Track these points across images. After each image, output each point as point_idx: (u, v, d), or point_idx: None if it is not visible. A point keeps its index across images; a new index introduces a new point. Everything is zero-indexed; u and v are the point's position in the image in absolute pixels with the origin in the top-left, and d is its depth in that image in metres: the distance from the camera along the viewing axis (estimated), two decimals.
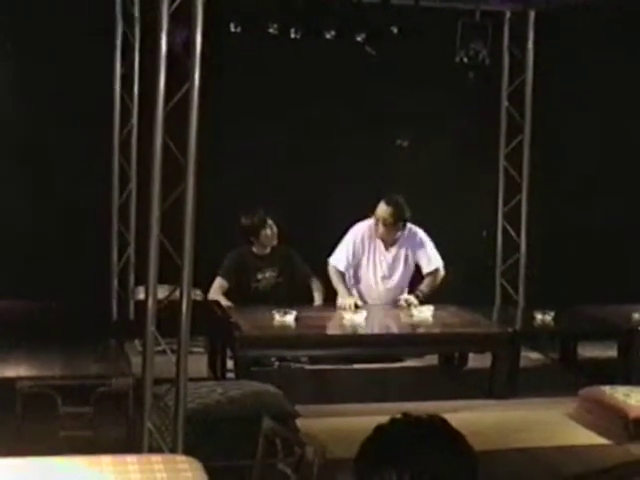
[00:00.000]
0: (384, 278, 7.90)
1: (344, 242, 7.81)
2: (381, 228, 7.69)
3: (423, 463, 1.94)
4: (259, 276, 7.94)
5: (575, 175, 9.15)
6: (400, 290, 7.90)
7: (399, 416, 2.02)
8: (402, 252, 7.86)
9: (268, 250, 7.98)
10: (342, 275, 7.74)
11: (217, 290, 7.81)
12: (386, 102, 8.83)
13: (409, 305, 7.55)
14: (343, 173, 8.89)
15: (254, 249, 7.97)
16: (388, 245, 7.83)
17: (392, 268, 7.89)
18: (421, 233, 7.87)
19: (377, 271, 7.88)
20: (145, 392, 5.00)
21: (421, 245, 7.85)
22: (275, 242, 7.98)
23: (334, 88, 8.76)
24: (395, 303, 7.75)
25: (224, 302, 7.65)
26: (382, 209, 7.64)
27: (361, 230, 7.82)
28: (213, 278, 7.86)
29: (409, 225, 7.81)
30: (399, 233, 7.75)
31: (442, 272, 7.82)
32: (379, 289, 7.90)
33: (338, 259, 7.76)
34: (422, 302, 7.57)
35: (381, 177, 8.08)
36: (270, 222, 7.92)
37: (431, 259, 7.82)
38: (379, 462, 1.96)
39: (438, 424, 2.01)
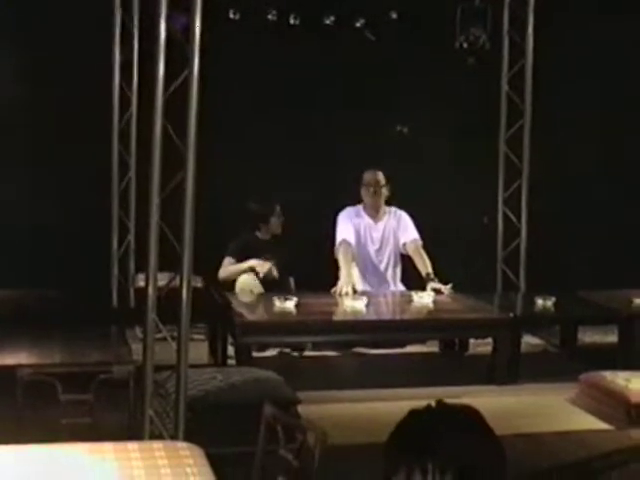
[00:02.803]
0: (377, 251, 8.02)
1: (340, 224, 7.91)
2: (372, 194, 7.94)
3: (457, 452, 1.96)
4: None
5: (575, 160, 9.14)
6: (392, 268, 8.02)
7: (433, 403, 2.04)
8: (389, 225, 8.04)
9: (270, 236, 8.00)
10: (350, 251, 7.75)
11: (226, 265, 7.81)
12: (386, 88, 8.83)
13: (438, 291, 7.54)
14: (343, 158, 8.88)
15: (258, 234, 8.00)
16: (376, 219, 8.01)
17: (382, 241, 8.02)
18: (404, 214, 8.04)
19: (369, 245, 8.01)
20: (146, 379, 5.01)
21: (405, 220, 8.04)
22: (280, 231, 8.01)
23: (334, 73, 8.75)
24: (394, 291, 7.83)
25: (236, 267, 7.71)
26: (369, 174, 7.98)
27: (348, 212, 8.02)
28: (213, 265, 7.85)
29: (394, 208, 8.05)
30: (386, 194, 7.94)
31: (421, 243, 7.92)
32: (374, 263, 8.01)
33: (345, 233, 7.82)
34: (446, 282, 7.59)
35: (381, 163, 8.06)
36: (279, 210, 7.96)
37: (413, 231, 7.95)
38: (411, 448, 1.98)
39: (470, 413, 2.03)
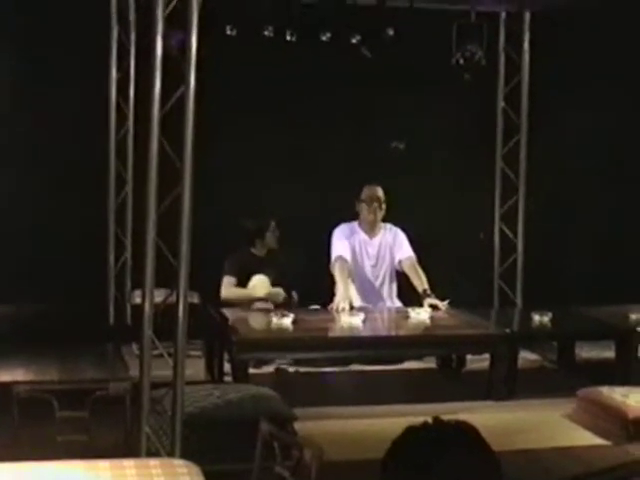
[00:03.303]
0: (374, 267, 8.02)
1: (335, 240, 7.89)
2: (373, 210, 7.91)
3: (454, 469, 1.96)
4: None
5: (572, 175, 9.15)
6: (389, 284, 8.02)
7: (429, 420, 2.03)
8: (385, 241, 8.03)
9: (266, 252, 7.99)
10: (346, 267, 7.74)
11: (228, 286, 7.79)
12: (382, 104, 8.83)
13: (435, 307, 7.52)
14: (339, 176, 8.89)
15: (253, 250, 7.98)
16: (372, 235, 8.01)
17: (378, 257, 8.01)
18: (400, 230, 8.04)
19: (365, 261, 8.01)
20: (142, 396, 4.99)
21: (400, 237, 8.01)
22: (276, 245, 8.00)
23: (330, 91, 8.76)
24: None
25: (243, 291, 7.71)
26: (369, 189, 7.96)
27: (342, 228, 8.00)
28: (210, 281, 7.83)
29: (390, 225, 8.05)
30: (383, 212, 7.92)
31: (415, 259, 7.91)
32: (370, 279, 8.01)
33: (341, 250, 7.80)
34: (442, 298, 7.59)
35: (377, 179, 8.06)
36: (274, 225, 7.96)
37: (408, 248, 7.94)
38: (409, 465, 1.97)
39: (468, 430, 2.02)
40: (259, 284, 7.76)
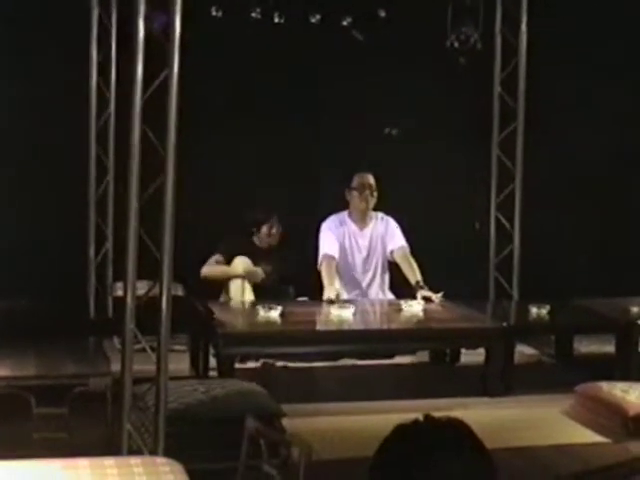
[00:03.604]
0: (365, 259, 8.03)
1: (323, 236, 7.92)
2: (364, 198, 7.91)
3: (446, 468, 1.96)
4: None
5: (570, 163, 9.15)
6: (380, 275, 8.03)
7: (420, 418, 2.03)
8: (376, 232, 8.04)
9: (267, 244, 7.99)
10: (333, 265, 7.76)
11: (212, 263, 7.79)
12: (374, 89, 8.82)
13: (428, 300, 7.53)
14: (329, 162, 8.89)
15: (255, 240, 8.00)
16: (363, 226, 8.02)
17: (370, 248, 8.03)
18: (391, 220, 8.06)
19: (356, 254, 8.02)
20: (124, 392, 4.98)
21: (392, 226, 8.03)
22: (274, 243, 7.99)
23: (320, 75, 8.75)
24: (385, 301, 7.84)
25: (222, 268, 7.72)
26: (361, 177, 7.97)
27: (331, 221, 8.02)
28: (194, 273, 7.83)
29: (381, 214, 8.05)
30: (374, 200, 7.94)
31: (408, 250, 7.93)
32: (362, 272, 8.02)
33: (328, 247, 7.82)
34: (436, 290, 7.59)
35: (368, 166, 8.06)
36: (275, 221, 7.94)
37: (400, 238, 7.96)
38: (399, 464, 1.97)
39: (460, 427, 2.02)
40: (239, 261, 7.76)
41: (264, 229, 7.96)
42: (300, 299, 7.89)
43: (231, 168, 8.57)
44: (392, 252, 7.95)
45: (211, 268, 7.79)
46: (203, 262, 7.83)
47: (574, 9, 8.66)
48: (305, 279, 7.90)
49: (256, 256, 7.90)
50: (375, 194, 7.94)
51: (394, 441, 2.01)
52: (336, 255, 7.84)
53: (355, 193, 7.95)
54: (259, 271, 7.78)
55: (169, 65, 4.82)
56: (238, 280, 7.74)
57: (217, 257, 7.82)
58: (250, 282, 7.74)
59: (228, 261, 7.80)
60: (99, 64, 8.13)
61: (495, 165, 8.94)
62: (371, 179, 7.94)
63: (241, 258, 7.77)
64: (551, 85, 8.88)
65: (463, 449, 1.98)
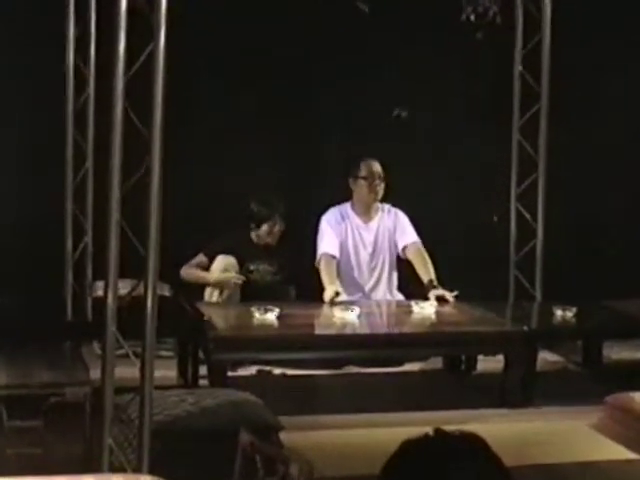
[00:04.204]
0: (371, 256, 8.05)
1: (322, 232, 7.93)
2: (372, 187, 7.93)
3: None
4: (251, 267, 7.96)
5: (599, 149, 9.15)
6: (388, 274, 8.04)
7: (431, 432, 2.03)
8: (384, 226, 8.07)
9: (266, 243, 8.01)
10: (333, 264, 7.77)
11: (192, 265, 7.83)
12: (382, 67, 8.83)
13: (442, 300, 7.53)
14: (332, 147, 8.88)
15: (253, 236, 8.01)
16: (367, 219, 8.06)
17: (376, 244, 8.03)
18: (401, 212, 8.08)
19: (361, 250, 8.04)
20: (105, 402, 4.99)
21: (402, 220, 8.05)
22: (275, 240, 8.01)
23: (321, 49, 8.74)
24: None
25: (197, 273, 7.79)
26: (369, 165, 7.98)
27: (330, 215, 8.03)
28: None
29: (388, 206, 8.07)
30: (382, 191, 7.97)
31: (421, 245, 7.95)
32: (367, 269, 8.04)
33: (327, 245, 7.82)
34: (450, 291, 7.60)
35: (376, 152, 8.07)
36: (277, 218, 7.95)
37: (412, 232, 7.99)
38: None
39: (475, 442, 2.02)
40: (217, 265, 7.78)
41: (265, 227, 7.98)
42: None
43: (223, 153, 8.56)
44: (405, 249, 7.94)
45: (188, 271, 7.88)
46: (191, 259, 7.86)
47: None
48: (306, 279, 7.90)
49: (255, 255, 7.91)
50: (383, 184, 7.95)
51: (402, 458, 2.02)
52: (336, 254, 7.84)
53: (363, 182, 7.94)
54: (234, 279, 7.78)
55: (155, 40, 4.82)
56: (214, 288, 7.78)
57: (199, 258, 7.86)
58: (225, 289, 7.77)
59: (213, 261, 7.83)
60: (77, 39, 8.12)
61: (516, 152, 8.93)
62: (378, 167, 7.95)
63: (222, 259, 7.78)
64: (578, 63, 8.88)
65: (478, 466, 1.99)
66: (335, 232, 7.92)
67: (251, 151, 8.72)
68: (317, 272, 7.74)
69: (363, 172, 7.96)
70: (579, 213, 9.15)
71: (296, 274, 8.06)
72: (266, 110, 8.76)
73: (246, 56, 8.54)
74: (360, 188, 7.97)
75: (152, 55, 4.83)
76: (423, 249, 7.88)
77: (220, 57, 8.50)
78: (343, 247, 7.95)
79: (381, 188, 7.96)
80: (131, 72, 4.87)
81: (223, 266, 7.79)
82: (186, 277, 7.90)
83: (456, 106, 9.07)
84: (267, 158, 8.75)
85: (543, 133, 8.78)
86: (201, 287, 7.87)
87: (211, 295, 7.84)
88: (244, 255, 7.90)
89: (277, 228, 8.01)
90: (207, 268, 7.86)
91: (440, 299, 7.54)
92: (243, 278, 7.80)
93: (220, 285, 7.80)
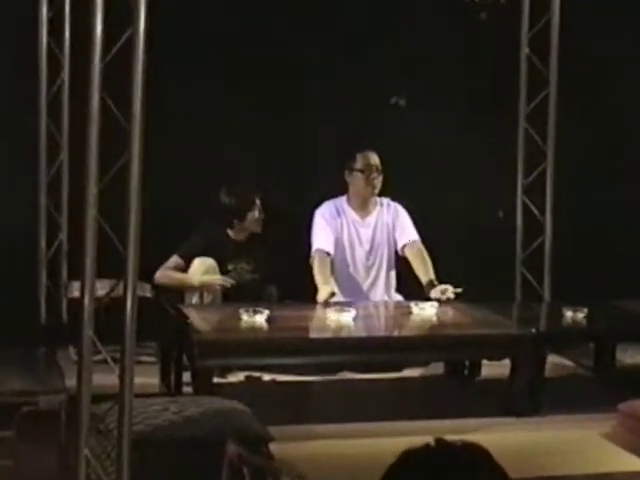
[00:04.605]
0: (369, 253, 8.06)
1: (316, 227, 7.92)
2: (370, 180, 7.94)
3: None
4: (229, 266, 7.94)
5: (612, 139, 9.16)
6: (386, 272, 8.05)
7: (432, 442, 2.04)
8: (382, 221, 8.09)
9: (246, 237, 7.99)
10: (327, 261, 7.78)
11: (168, 268, 7.79)
12: (378, 51, 8.82)
13: (444, 296, 7.54)
14: (322, 137, 8.88)
15: (230, 233, 7.98)
16: (364, 214, 8.08)
17: (374, 240, 8.06)
18: (400, 207, 8.09)
19: (358, 247, 8.07)
20: (81, 412, 5.00)
21: (403, 216, 8.07)
22: (259, 229, 8.00)
23: (315, 32, 8.73)
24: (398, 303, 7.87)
25: (177, 276, 7.75)
26: (366, 156, 7.99)
27: (325, 209, 8.05)
28: None
29: (387, 200, 8.10)
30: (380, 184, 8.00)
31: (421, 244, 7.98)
32: (364, 268, 8.05)
33: (322, 241, 7.83)
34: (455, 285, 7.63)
35: (373, 143, 8.07)
36: (259, 204, 7.95)
37: (412, 230, 8.01)
38: None
39: (477, 452, 2.03)
40: (197, 268, 7.76)
41: (250, 215, 7.94)
42: (287, 302, 7.89)
43: (207, 144, 8.56)
44: (404, 247, 7.96)
45: (166, 274, 7.79)
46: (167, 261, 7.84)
47: None
48: (289, 279, 7.89)
49: (234, 252, 7.90)
50: (380, 177, 7.96)
51: (401, 469, 2.03)
52: (331, 251, 7.85)
53: (360, 175, 7.95)
54: (221, 281, 7.76)
55: (134, 23, 4.82)
56: (195, 292, 7.78)
57: (175, 260, 7.81)
58: (209, 293, 7.77)
59: (190, 263, 7.80)
60: (50, 21, 8.12)
61: (522, 141, 8.95)
62: (373, 157, 7.96)
63: (201, 262, 7.76)
64: (589, 46, 8.88)
65: (481, 479, 2.00)
66: (330, 227, 7.93)
67: (237, 140, 8.71)
68: (309, 270, 7.74)
69: (359, 164, 7.96)
70: (590, 207, 9.16)
71: (277, 273, 8.03)
72: (256, 98, 8.76)
73: (233, 42, 8.53)
74: (356, 181, 7.98)
75: (131, 39, 4.82)
76: (423, 248, 7.90)
77: (205, 43, 8.49)
78: (338, 244, 7.96)
79: (379, 181, 7.97)
80: (109, 57, 4.86)
81: (204, 269, 7.76)
82: (163, 281, 7.79)
83: (458, 92, 9.07)
84: (255, 148, 8.75)
85: (552, 121, 8.79)
86: (180, 290, 7.84)
87: (191, 299, 7.81)
88: (222, 254, 7.86)
89: (262, 214, 7.99)
90: (184, 270, 7.81)
91: (440, 301, 7.52)
92: (232, 281, 7.77)
93: (202, 289, 7.78)
